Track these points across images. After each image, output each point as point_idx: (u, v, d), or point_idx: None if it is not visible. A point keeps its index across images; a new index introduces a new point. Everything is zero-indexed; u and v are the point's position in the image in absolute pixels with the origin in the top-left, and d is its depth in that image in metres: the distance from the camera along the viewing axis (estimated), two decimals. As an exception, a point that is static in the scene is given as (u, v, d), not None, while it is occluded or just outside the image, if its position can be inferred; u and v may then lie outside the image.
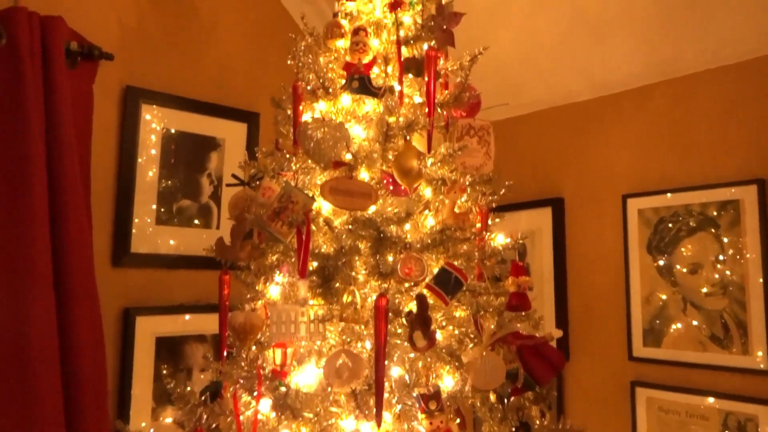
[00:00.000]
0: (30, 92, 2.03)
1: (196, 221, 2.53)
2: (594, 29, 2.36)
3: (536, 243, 2.68)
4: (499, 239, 1.80)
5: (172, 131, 2.48)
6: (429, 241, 1.58)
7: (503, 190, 1.83)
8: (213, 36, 2.64)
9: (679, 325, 2.25)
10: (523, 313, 1.78)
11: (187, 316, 2.43)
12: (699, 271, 2.21)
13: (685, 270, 2.25)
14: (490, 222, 1.81)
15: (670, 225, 2.30)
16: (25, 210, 1.99)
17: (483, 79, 1.91)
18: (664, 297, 2.29)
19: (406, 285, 1.53)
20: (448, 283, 1.54)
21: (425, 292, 1.54)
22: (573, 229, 2.60)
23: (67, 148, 2.08)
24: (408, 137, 1.63)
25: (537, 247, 2.68)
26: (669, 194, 2.29)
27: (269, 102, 1.95)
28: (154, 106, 2.44)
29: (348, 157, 1.65)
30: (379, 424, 1.43)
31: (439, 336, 1.60)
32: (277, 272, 1.62)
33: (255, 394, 1.53)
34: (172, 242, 2.46)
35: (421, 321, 1.48)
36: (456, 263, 1.63)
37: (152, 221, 2.43)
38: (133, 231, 2.37)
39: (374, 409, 1.44)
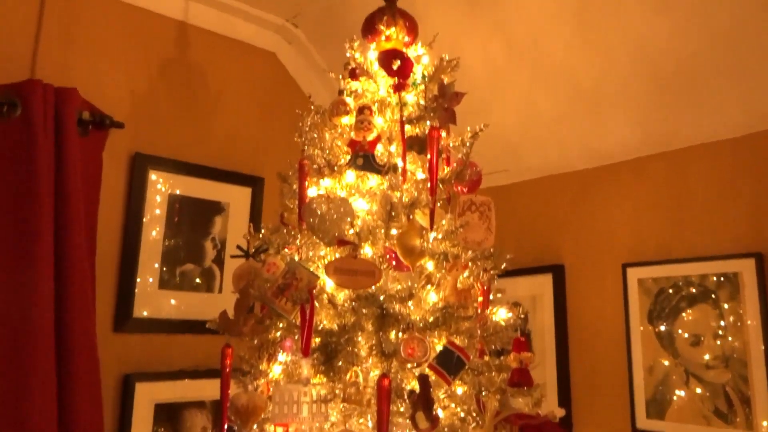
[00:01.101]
0: (42, 160, 2.08)
1: (199, 284, 2.55)
2: (590, 102, 2.43)
3: (537, 309, 2.69)
4: (500, 314, 1.81)
5: (177, 192, 2.53)
6: (431, 319, 1.60)
7: (504, 265, 1.85)
8: (221, 103, 2.72)
9: (682, 393, 2.23)
10: (525, 388, 1.78)
11: (187, 382, 2.41)
12: (700, 343, 2.22)
13: (686, 338, 2.26)
14: (491, 297, 1.82)
15: (670, 295, 2.31)
16: (30, 277, 2.01)
17: (484, 145, 1.96)
18: (666, 365, 2.28)
19: (409, 365, 1.53)
20: (450, 363, 1.54)
21: (428, 371, 1.54)
22: (574, 296, 2.61)
23: (75, 216, 2.12)
24: (411, 216, 1.67)
25: (538, 313, 2.68)
26: (668, 265, 2.32)
27: (274, 166, 2.00)
28: (162, 172, 2.49)
29: (351, 232, 1.68)
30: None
31: (441, 414, 1.60)
32: (281, 351, 1.62)
33: (255, 474, 1.51)
34: (174, 305, 2.47)
35: (423, 402, 1.48)
36: (458, 340, 1.64)
37: (155, 281, 2.44)
38: (136, 291, 2.38)
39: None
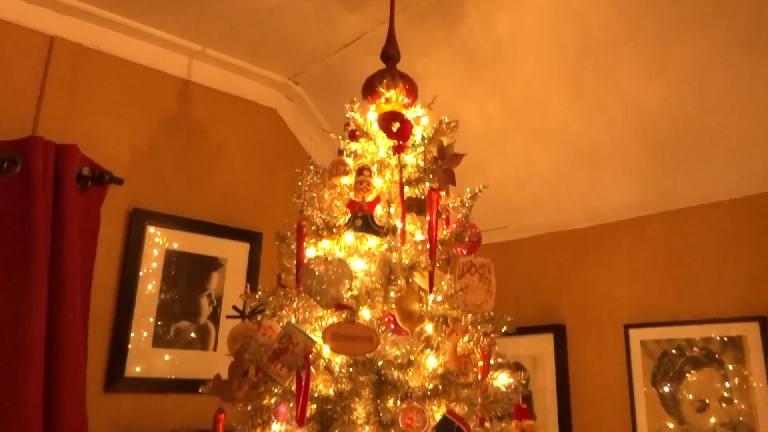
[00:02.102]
0: (39, 217, 2.08)
1: (194, 341, 2.50)
2: (588, 162, 2.44)
3: (538, 370, 2.63)
4: (501, 379, 1.77)
5: (175, 246, 2.51)
6: (431, 386, 1.55)
7: (504, 328, 1.81)
8: (221, 158, 2.73)
9: (690, 461, 2.16)
10: (527, 458, 1.71)
11: (177, 444, 2.34)
12: (706, 408, 2.16)
13: (691, 400, 2.20)
14: (492, 361, 1.78)
15: (674, 357, 2.27)
16: (21, 334, 1.97)
17: (483, 202, 1.96)
18: (671, 428, 2.21)
19: (407, 436, 1.48)
20: (450, 434, 1.49)
21: (427, 442, 1.49)
22: (575, 357, 2.56)
23: (70, 273, 2.10)
24: (410, 278, 1.64)
25: (539, 373, 2.62)
26: (671, 327, 2.28)
27: (273, 221, 1.98)
28: (160, 227, 2.48)
29: (348, 294, 1.65)
30: None
31: (440, 487, 1.53)
32: (274, 419, 1.57)
33: None
34: (167, 361, 2.42)
35: (422, 476, 1.42)
36: (458, 408, 1.59)
37: (149, 337, 2.39)
38: (129, 347, 2.33)
39: None
